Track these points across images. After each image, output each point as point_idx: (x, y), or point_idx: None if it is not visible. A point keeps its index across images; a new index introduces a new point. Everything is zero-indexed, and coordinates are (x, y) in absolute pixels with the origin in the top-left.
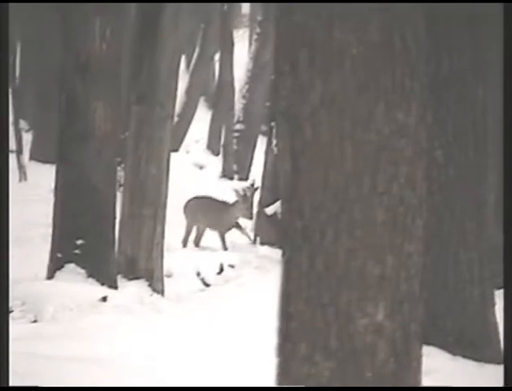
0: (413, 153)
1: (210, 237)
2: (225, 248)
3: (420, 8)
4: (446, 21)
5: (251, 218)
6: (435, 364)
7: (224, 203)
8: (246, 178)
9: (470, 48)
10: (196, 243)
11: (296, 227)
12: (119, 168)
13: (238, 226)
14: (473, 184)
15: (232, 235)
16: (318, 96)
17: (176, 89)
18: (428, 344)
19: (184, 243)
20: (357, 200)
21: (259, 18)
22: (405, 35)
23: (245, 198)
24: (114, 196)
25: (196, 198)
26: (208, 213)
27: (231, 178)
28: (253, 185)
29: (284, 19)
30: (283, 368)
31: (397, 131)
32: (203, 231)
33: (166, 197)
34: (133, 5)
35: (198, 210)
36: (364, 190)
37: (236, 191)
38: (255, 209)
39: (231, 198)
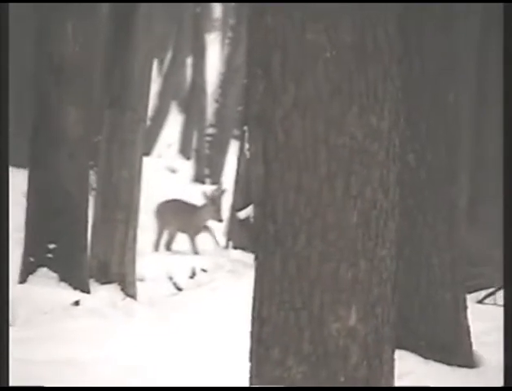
0: (386, 157)
1: (182, 241)
2: (195, 252)
3: (392, 8)
4: (417, 22)
5: (221, 221)
6: (407, 368)
7: (193, 206)
8: (218, 182)
9: (441, 49)
10: (168, 247)
11: (269, 231)
12: (91, 172)
13: (207, 229)
14: (445, 187)
15: (205, 240)
16: (291, 99)
17: (149, 92)
18: (400, 347)
19: (156, 247)
20: (330, 204)
21: (231, 22)
22: (377, 36)
23: (213, 200)
24: (87, 200)
25: (166, 201)
26: (178, 216)
27: (203, 182)
28: (219, 188)
29: (256, 21)
30: (256, 372)
31: (370, 135)
32: (174, 235)
33: (139, 201)
34: (105, 6)
35: (168, 213)
36: (338, 193)
37: (205, 194)
38: (227, 213)
39: (200, 201)
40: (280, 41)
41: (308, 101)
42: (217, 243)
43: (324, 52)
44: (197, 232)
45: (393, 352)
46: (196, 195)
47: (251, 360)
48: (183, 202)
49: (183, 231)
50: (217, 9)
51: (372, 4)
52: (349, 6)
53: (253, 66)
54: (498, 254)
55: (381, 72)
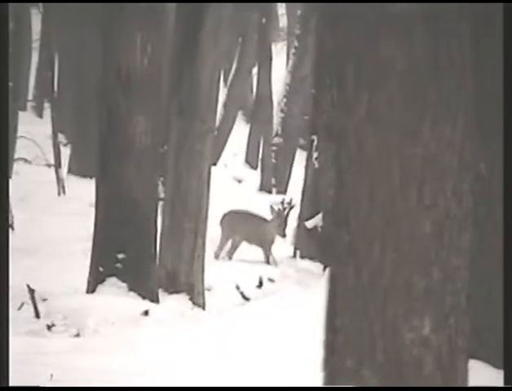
0: (459, 166)
1: (247, 250)
2: (272, 263)
3: (464, 19)
4: (488, 34)
5: (284, 236)
6: (481, 378)
7: (262, 218)
8: (285, 192)
9: (510, 57)
10: (230, 256)
11: (342, 241)
12: (159, 181)
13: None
14: None
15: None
16: (364, 110)
17: (216, 103)
18: (473, 358)
19: (217, 256)
20: (403, 214)
21: (297, 31)
22: (451, 48)
23: (280, 215)
24: (155, 210)
25: (233, 211)
26: (245, 227)
27: (270, 192)
28: (290, 203)
29: (328, 34)
30: (330, 382)
31: (443, 144)
32: (238, 244)
33: (207, 211)
34: (172, 18)
35: (235, 223)
36: (411, 203)
37: (272, 208)
38: (295, 223)
39: (267, 211)
40: (352, 54)
41: (381, 111)
42: (267, 261)
43: (397, 65)
44: (271, 246)
45: (467, 362)
46: (262, 204)
47: (324, 370)
48: (251, 213)
49: (255, 244)
50: (282, 19)
51: (445, 15)
52: (422, 18)
53: (322, 76)
54: None
55: (453, 82)
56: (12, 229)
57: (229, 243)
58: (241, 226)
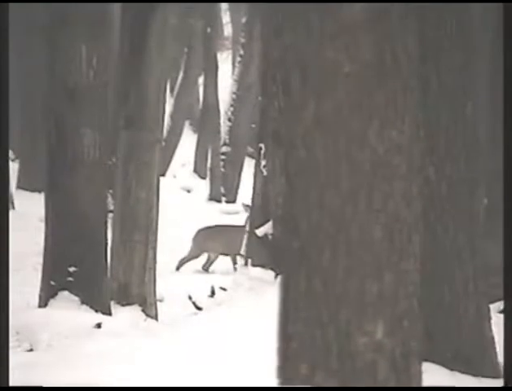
0: (408, 170)
1: (198, 261)
2: (235, 269)
3: (410, 22)
4: (434, 35)
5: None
6: (434, 380)
7: (234, 226)
8: (234, 201)
9: (458, 62)
10: (206, 269)
11: (292, 248)
12: (109, 194)
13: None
14: (464, 199)
15: (222, 259)
16: (311, 116)
17: (164, 113)
18: (426, 360)
19: (179, 267)
20: (353, 219)
21: (242, 40)
22: (396, 51)
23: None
24: (105, 223)
25: (207, 228)
26: (223, 240)
27: (219, 201)
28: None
29: (272, 40)
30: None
31: (391, 148)
32: (215, 259)
33: (157, 222)
34: (118, 29)
35: (210, 239)
36: (361, 208)
37: (245, 206)
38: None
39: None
40: (298, 60)
41: (328, 117)
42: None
43: (343, 68)
44: (239, 251)
45: (420, 365)
46: (212, 214)
47: (279, 377)
48: (223, 225)
49: (230, 253)
50: (227, 27)
51: (390, 19)
52: (367, 21)
53: (268, 84)
54: None
55: (400, 85)
56: None
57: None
58: (218, 240)
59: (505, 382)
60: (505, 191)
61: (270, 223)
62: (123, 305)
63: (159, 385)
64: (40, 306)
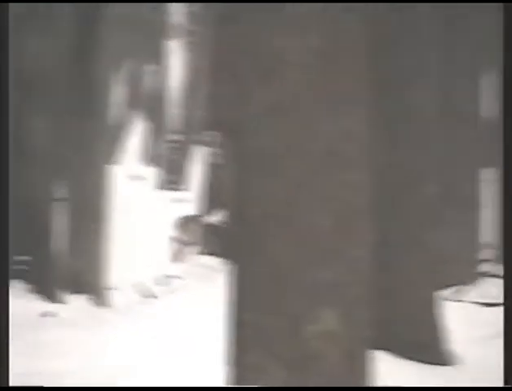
0: (360, 159)
1: (153, 247)
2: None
3: (361, 12)
4: (387, 25)
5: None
6: (387, 368)
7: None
8: (184, 189)
9: (409, 48)
10: (181, 259)
11: (243, 236)
12: (58, 182)
13: None
14: (417, 187)
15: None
16: (262, 105)
17: (112, 100)
18: (379, 348)
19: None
20: (305, 207)
21: (193, 28)
22: (348, 40)
23: None
24: (55, 211)
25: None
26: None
27: (169, 189)
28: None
29: (224, 28)
30: (234, 376)
31: (344, 137)
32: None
33: (107, 210)
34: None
35: (191, 227)
36: (311, 196)
37: None
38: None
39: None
40: (248, 48)
41: (279, 106)
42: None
43: (295, 57)
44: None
45: (372, 352)
46: (161, 201)
47: (228, 364)
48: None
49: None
50: (179, 16)
51: (342, 8)
52: (319, 10)
53: (219, 72)
54: (466, 253)
55: (351, 74)
56: None
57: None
58: (195, 227)
59: (505, 382)
60: (505, 192)
61: (220, 212)
62: (75, 293)
63: (113, 373)
64: None
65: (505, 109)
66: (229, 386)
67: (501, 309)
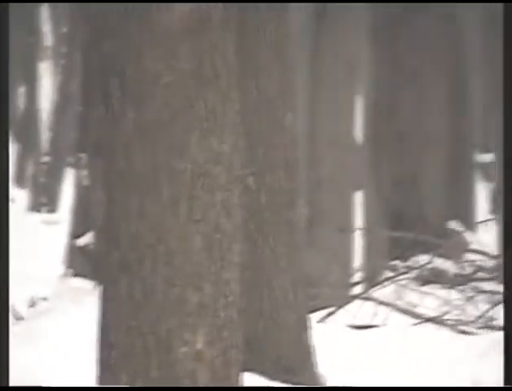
0: (228, 180)
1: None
2: None
3: (230, 34)
4: (253, 44)
5: None
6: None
7: None
8: (55, 211)
9: (277, 71)
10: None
11: (113, 257)
12: None
13: None
14: (284, 210)
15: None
16: (131, 126)
17: None
18: (247, 370)
19: None
20: (173, 229)
21: (63, 49)
22: (215, 62)
23: None
24: None
25: None
26: None
27: (40, 211)
28: None
29: (94, 50)
30: None
31: (211, 158)
32: None
33: None
34: None
35: None
36: (181, 218)
37: None
38: (65, 241)
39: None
40: (118, 69)
41: (148, 126)
42: None
43: (162, 78)
44: None
45: (241, 374)
46: (33, 224)
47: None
48: None
49: None
50: (48, 37)
51: (210, 30)
52: (186, 31)
53: (89, 93)
54: (335, 275)
55: (219, 96)
56: None
57: None
58: None
59: (505, 382)
60: (505, 191)
61: (90, 233)
62: None
63: None
64: None
65: (505, 109)
66: (229, 386)
67: (372, 331)
